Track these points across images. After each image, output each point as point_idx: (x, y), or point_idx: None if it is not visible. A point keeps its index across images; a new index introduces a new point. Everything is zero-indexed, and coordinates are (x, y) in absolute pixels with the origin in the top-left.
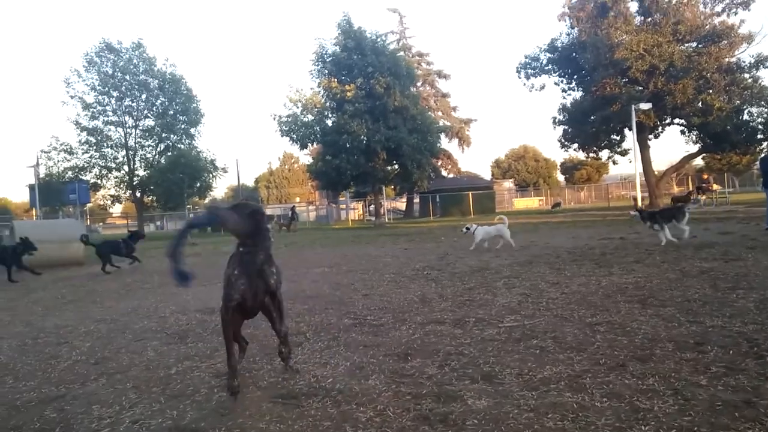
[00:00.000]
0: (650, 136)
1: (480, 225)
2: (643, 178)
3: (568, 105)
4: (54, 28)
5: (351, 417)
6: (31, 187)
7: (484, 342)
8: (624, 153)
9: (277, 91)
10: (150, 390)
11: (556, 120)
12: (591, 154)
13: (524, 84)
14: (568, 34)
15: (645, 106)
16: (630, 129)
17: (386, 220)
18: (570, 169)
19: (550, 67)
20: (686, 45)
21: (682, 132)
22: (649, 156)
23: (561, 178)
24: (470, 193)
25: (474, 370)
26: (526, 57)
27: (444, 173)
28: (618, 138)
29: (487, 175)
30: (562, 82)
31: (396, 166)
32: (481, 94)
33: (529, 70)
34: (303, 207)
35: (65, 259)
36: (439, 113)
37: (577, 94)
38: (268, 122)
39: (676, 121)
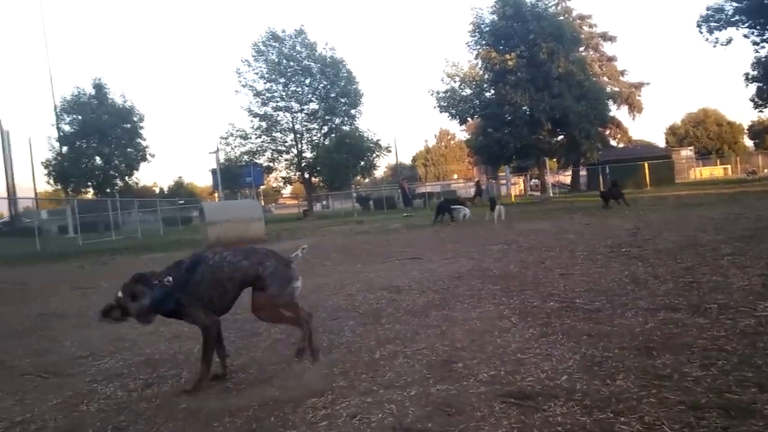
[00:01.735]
0: None
1: None
2: None
3: (764, 60)
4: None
5: (612, 430)
6: (213, 172)
7: (745, 335)
8: None
9: (432, 67)
10: (359, 377)
11: (749, 77)
12: None
13: (707, 39)
14: None
15: None
16: None
17: (550, 194)
18: (761, 132)
19: (737, 18)
20: None
21: None
22: None
23: (749, 143)
24: (645, 163)
25: (756, 374)
26: (708, 9)
27: (613, 143)
28: None
29: (660, 144)
30: (752, 33)
31: (562, 137)
32: (653, 55)
33: (712, 23)
34: (461, 183)
35: (248, 237)
36: (605, 79)
37: None
38: (424, 99)
39: None
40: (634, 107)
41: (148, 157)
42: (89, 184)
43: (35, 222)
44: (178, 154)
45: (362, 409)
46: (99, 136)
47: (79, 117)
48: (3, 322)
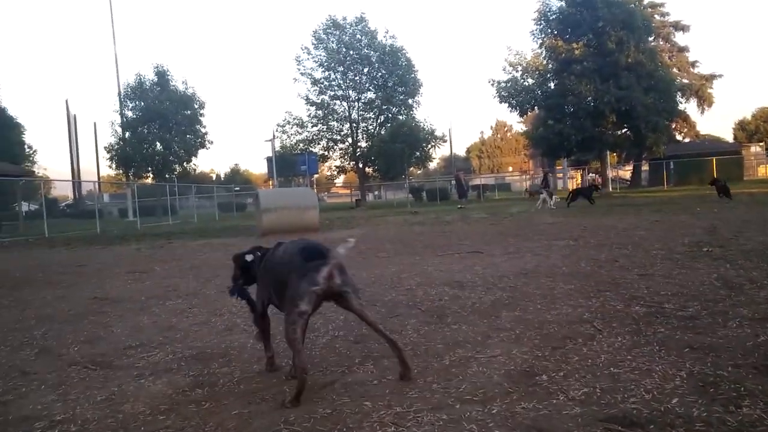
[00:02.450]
0: None
1: None
2: None
3: None
4: (290, 7)
5: None
6: (269, 159)
7: None
8: None
9: (491, 56)
10: (429, 387)
11: None
12: None
13: None
14: None
15: None
16: None
17: (610, 189)
18: None
19: None
20: None
21: None
22: None
23: None
24: (713, 158)
25: None
26: None
27: (678, 137)
28: None
29: (728, 139)
30: None
31: (625, 130)
32: (726, 46)
33: None
34: (516, 176)
35: (302, 225)
36: (676, 70)
37: None
38: (481, 90)
39: None
40: (705, 100)
41: (206, 143)
42: (149, 169)
43: (97, 205)
44: (234, 142)
45: (437, 428)
46: (160, 122)
47: (142, 103)
48: (57, 306)
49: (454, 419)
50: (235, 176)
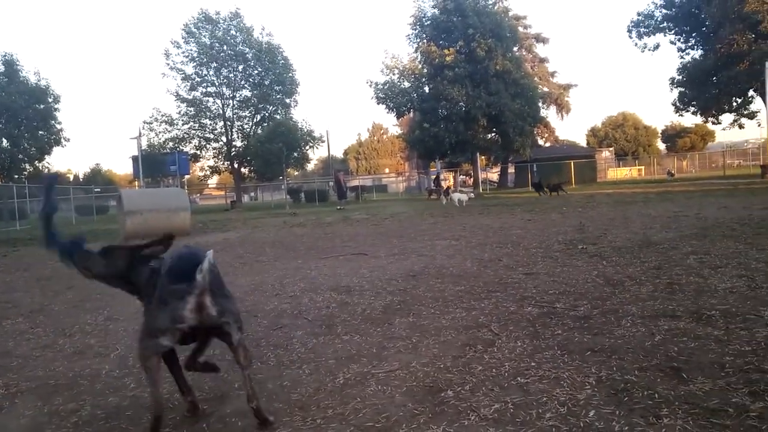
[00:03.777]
0: None
1: None
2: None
3: (688, 65)
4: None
5: None
6: (134, 159)
7: None
8: (752, 116)
9: (367, 59)
10: (323, 413)
11: (675, 81)
12: (710, 119)
13: (635, 44)
14: None
15: None
16: (757, 91)
17: (481, 190)
18: (672, 137)
19: (665, 24)
20: None
21: None
22: None
23: (662, 146)
24: (572, 162)
25: None
26: (639, 14)
27: (540, 142)
28: (741, 100)
29: (582, 144)
30: (679, 40)
31: (495, 134)
32: (578, 59)
33: (642, 29)
34: (392, 178)
35: (172, 227)
36: (537, 79)
37: (696, 54)
38: (358, 93)
39: None
40: (563, 108)
41: (62, 141)
42: None
43: None
44: (96, 140)
45: None
46: (7, 116)
47: None
48: None
49: None
50: (96, 177)
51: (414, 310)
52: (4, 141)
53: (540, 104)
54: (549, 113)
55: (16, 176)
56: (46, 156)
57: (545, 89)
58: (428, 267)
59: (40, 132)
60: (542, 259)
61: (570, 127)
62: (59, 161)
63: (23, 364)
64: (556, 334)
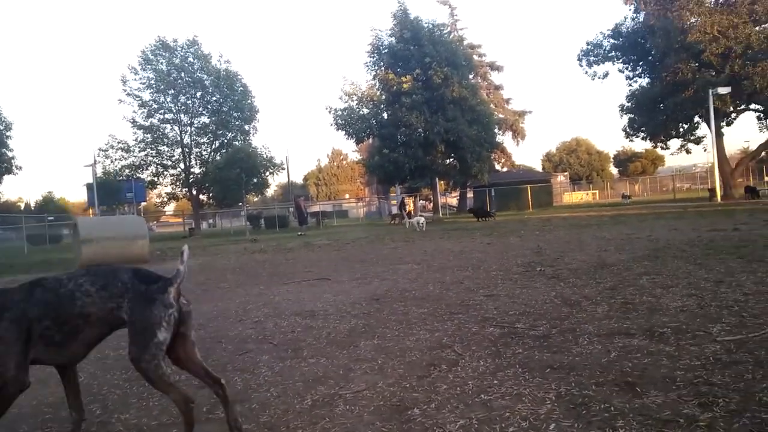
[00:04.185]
0: (722, 124)
1: None
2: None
3: (636, 93)
4: (111, 28)
5: None
6: (89, 186)
7: (724, 365)
8: (698, 141)
9: (325, 86)
10: None
11: (624, 108)
12: (659, 144)
13: (586, 72)
14: (633, 19)
15: (724, 90)
16: (702, 117)
17: (440, 215)
18: (624, 161)
19: (613, 53)
20: (764, 26)
21: (759, 118)
22: (723, 144)
23: (614, 170)
24: (529, 186)
25: None
26: (588, 44)
27: (498, 167)
28: (688, 126)
29: (538, 169)
30: (626, 69)
31: (453, 159)
32: (532, 87)
33: (591, 58)
34: (352, 203)
35: (130, 256)
36: (492, 106)
37: (644, 81)
38: (317, 119)
39: (753, 106)
40: (518, 134)
41: (14, 169)
42: None
43: None
44: (48, 167)
45: None
46: None
47: None
48: None
49: None
50: (48, 205)
51: (379, 333)
52: None
53: (496, 130)
54: (505, 139)
55: None
56: None
57: (501, 116)
58: (391, 290)
59: None
60: (502, 281)
61: (526, 152)
62: (10, 189)
63: None
64: (517, 353)
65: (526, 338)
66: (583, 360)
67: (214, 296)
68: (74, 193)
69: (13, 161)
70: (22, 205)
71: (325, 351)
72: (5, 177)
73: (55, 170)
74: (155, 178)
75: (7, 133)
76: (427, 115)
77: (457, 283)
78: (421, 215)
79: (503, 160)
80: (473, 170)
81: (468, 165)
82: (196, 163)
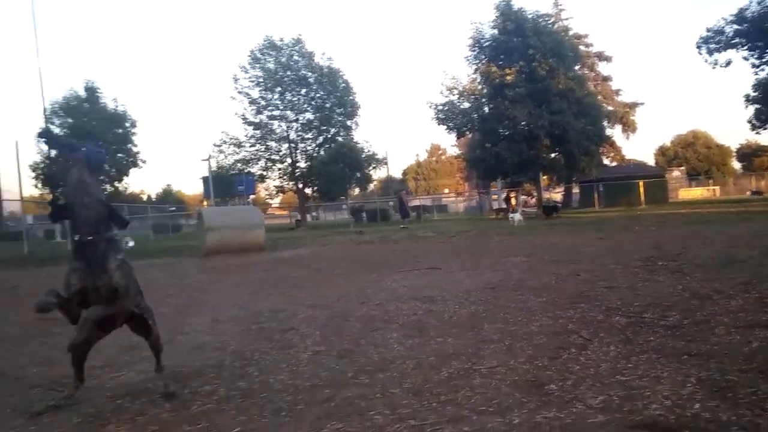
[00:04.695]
0: None
1: None
2: None
3: (764, 81)
4: (225, 27)
5: None
6: (205, 179)
7: None
8: None
9: (424, 80)
10: (437, 399)
11: (750, 98)
12: None
13: (706, 61)
14: (760, 2)
15: None
16: None
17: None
18: (748, 155)
19: (737, 40)
20: None
21: None
22: None
23: (737, 165)
24: (640, 181)
25: None
26: (708, 31)
27: (606, 161)
28: None
29: (650, 163)
30: (752, 56)
31: (558, 154)
32: (644, 77)
33: (712, 45)
34: (452, 198)
35: (248, 244)
36: (600, 98)
37: None
38: (416, 113)
39: None
40: (628, 126)
41: (139, 162)
42: None
43: (23, 226)
44: (166, 161)
45: None
46: (89, 140)
47: (70, 120)
48: (1, 328)
49: (477, 430)
50: (168, 197)
51: (500, 318)
52: None
53: (605, 123)
54: (614, 132)
55: None
56: (124, 177)
57: (610, 108)
58: (505, 280)
59: (119, 155)
60: (622, 274)
61: (637, 146)
62: (134, 182)
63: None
64: (649, 341)
65: (657, 327)
66: (721, 348)
67: (333, 282)
68: (190, 186)
69: (138, 155)
70: (145, 197)
71: (450, 332)
72: (131, 170)
73: (173, 164)
74: (264, 172)
75: (133, 130)
76: (532, 108)
77: (573, 275)
78: (523, 210)
79: (612, 154)
80: (580, 164)
81: (575, 159)
82: (301, 158)
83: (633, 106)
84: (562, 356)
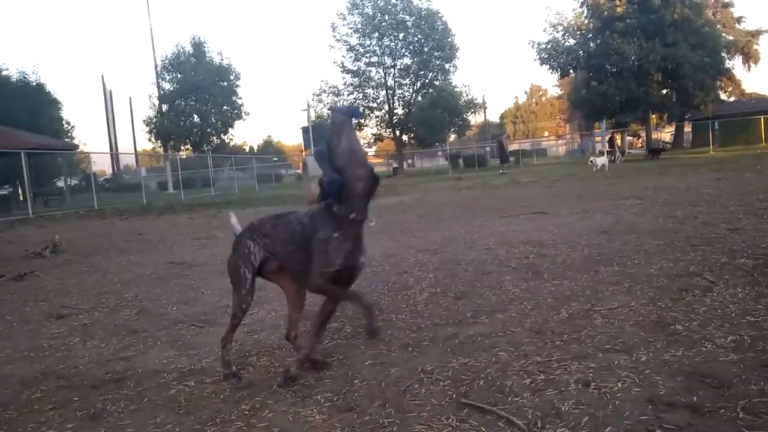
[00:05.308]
0: None
1: None
2: None
3: None
4: None
5: None
6: (304, 129)
7: None
8: None
9: (521, 20)
10: (560, 337)
11: None
12: None
13: None
14: None
15: None
16: None
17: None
18: None
19: None
20: None
21: None
22: None
23: None
24: (762, 117)
25: None
26: None
27: (723, 97)
28: None
29: None
30: None
31: (669, 90)
32: None
33: None
34: (552, 141)
35: None
36: (720, 27)
37: None
38: (516, 55)
39: None
40: (750, 57)
41: (243, 115)
42: (188, 141)
43: (140, 177)
44: (266, 113)
45: (590, 377)
46: (197, 94)
47: (179, 75)
48: (136, 271)
49: (603, 367)
50: (268, 147)
51: (617, 261)
52: (195, 117)
53: (724, 54)
54: (734, 64)
55: (206, 148)
56: (229, 129)
57: (730, 37)
58: (618, 224)
59: (225, 107)
60: (745, 216)
61: (760, 78)
62: (238, 134)
63: (277, 295)
64: None
65: None
66: None
67: (438, 227)
68: (288, 137)
69: (242, 108)
70: (247, 148)
71: (565, 275)
72: (236, 122)
73: (272, 116)
74: (362, 120)
75: (237, 83)
76: (643, 41)
77: (692, 218)
78: (629, 152)
79: (731, 88)
80: (695, 101)
81: (689, 95)
82: (399, 105)
83: (757, 34)
84: (686, 298)
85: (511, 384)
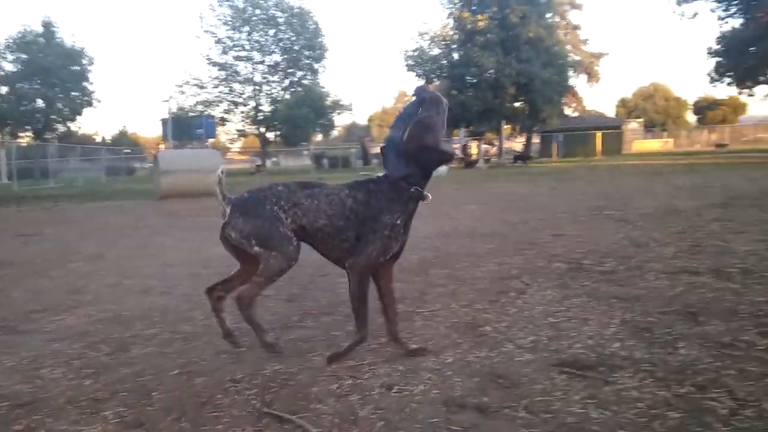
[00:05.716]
0: None
1: None
2: None
3: (727, 34)
4: None
5: (701, 406)
6: (164, 121)
7: None
8: None
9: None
10: (379, 342)
11: (712, 51)
12: (745, 90)
13: (674, 11)
14: None
15: None
16: None
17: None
18: (703, 109)
19: None
20: None
21: None
22: None
23: (692, 118)
24: (598, 132)
25: None
26: None
27: (568, 111)
28: None
29: (611, 115)
30: (719, 8)
31: (521, 103)
32: (610, 26)
33: None
34: None
35: (205, 188)
36: (569, 47)
37: (736, 23)
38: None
39: None
40: (593, 77)
41: (93, 102)
42: (28, 127)
43: None
44: (122, 103)
45: (396, 379)
46: (43, 77)
47: (24, 56)
48: None
49: (411, 370)
50: (123, 139)
51: (449, 264)
52: (39, 101)
53: (570, 73)
54: (578, 82)
55: (48, 136)
56: (77, 117)
57: (576, 57)
58: (458, 228)
59: (73, 93)
60: (569, 223)
61: (599, 97)
62: (88, 123)
63: (97, 299)
64: (584, 285)
65: (593, 273)
66: (649, 293)
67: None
68: (147, 128)
69: (93, 95)
70: (98, 139)
71: (398, 277)
72: (85, 110)
73: (132, 106)
74: (226, 115)
75: (90, 68)
76: (500, 55)
77: (523, 223)
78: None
79: (574, 105)
80: (543, 114)
81: (538, 109)
82: (265, 101)
83: (599, 56)
84: (502, 300)
85: (318, 390)
